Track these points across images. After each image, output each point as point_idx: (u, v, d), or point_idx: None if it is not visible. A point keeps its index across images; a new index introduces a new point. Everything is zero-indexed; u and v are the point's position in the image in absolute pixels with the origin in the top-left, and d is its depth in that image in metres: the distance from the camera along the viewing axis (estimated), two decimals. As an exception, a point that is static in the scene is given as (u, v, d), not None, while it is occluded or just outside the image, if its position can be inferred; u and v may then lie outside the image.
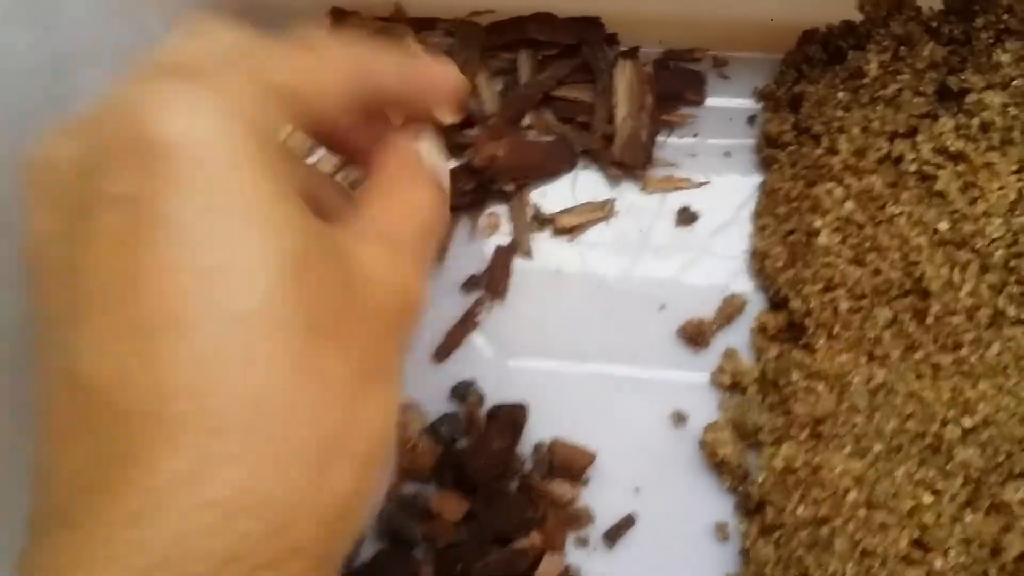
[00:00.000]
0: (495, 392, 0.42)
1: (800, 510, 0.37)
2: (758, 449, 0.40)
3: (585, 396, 0.42)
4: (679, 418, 0.41)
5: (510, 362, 0.42)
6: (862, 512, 0.36)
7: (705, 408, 0.41)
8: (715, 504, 0.40)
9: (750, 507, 0.39)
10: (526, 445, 0.41)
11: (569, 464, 0.40)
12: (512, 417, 0.40)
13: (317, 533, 0.20)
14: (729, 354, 0.42)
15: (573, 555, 0.40)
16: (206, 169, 0.21)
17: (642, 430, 0.41)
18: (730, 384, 0.41)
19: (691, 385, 0.42)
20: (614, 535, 0.40)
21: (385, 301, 0.24)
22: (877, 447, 0.37)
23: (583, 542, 0.40)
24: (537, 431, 0.41)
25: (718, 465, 0.40)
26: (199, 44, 0.26)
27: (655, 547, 0.40)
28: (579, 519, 0.40)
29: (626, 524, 0.40)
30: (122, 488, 0.19)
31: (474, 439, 0.40)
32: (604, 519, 0.40)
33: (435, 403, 0.42)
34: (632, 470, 0.41)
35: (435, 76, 0.31)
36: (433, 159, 0.31)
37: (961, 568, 0.34)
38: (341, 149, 0.34)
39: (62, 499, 0.20)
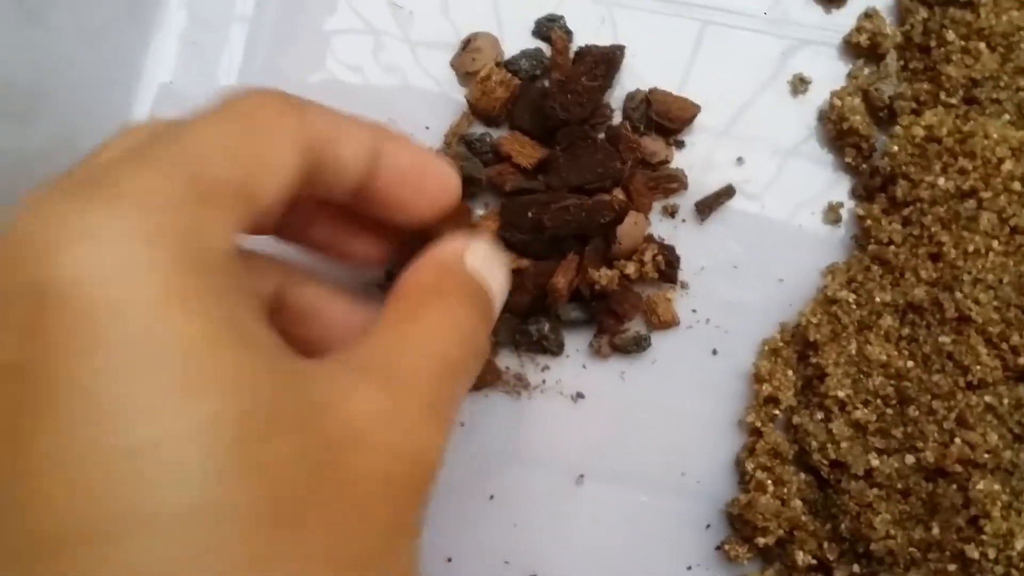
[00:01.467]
0: (586, 37, 0.35)
1: (941, 182, 0.31)
2: (889, 126, 0.34)
3: (691, 44, 0.35)
4: (800, 82, 0.35)
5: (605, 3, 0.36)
6: (1017, 185, 0.31)
7: (832, 74, 0.35)
8: (830, 183, 0.35)
9: (875, 185, 0.33)
10: (619, 92, 0.35)
11: (667, 115, 0.34)
12: (606, 56, 0.34)
13: None
14: (869, 14, 0.35)
15: (658, 226, 0.34)
16: (116, 316, 0.15)
17: (756, 91, 0.35)
18: (867, 47, 0.35)
19: (819, 47, 0.35)
20: (708, 206, 0.34)
21: (382, 469, 0.19)
22: (1044, 115, 0.31)
23: (670, 211, 0.34)
24: (632, 79, 0.35)
25: (842, 135, 0.34)
26: (122, 139, 0.20)
27: (753, 226, 0.34)
28: (671, 182, 0.34)
29: (724, 195, 0.34)
30: None
31: (559, 77, 0.34)
32: (698, 188, 0.35)
33: (514, 39, 0.35)
34: (738, 137, 0.35)
35: (431, 165, 0.24)
36: (486, 270, 0.24)
37: None
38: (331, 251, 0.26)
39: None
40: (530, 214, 0.32)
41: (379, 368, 0.20)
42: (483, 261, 0.24)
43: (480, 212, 0.34)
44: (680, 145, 0.35)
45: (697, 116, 0.34)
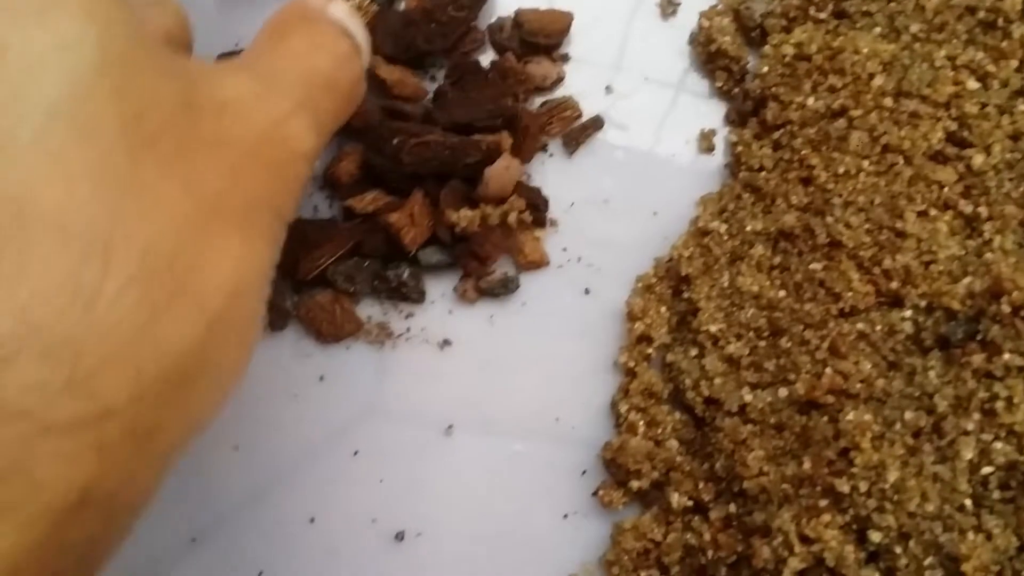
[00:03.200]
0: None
1: (811, 102, 0.30)
2: (761, 47, 0.32)
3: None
4: (669, 3, 0.33)
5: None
6: (888, 101, 0.29)
7: (701, -5, 0.33)
8: (703, 110, 0.33)
9: (747, 109, 0.32)
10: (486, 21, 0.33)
11: (542, 32, 0.32)
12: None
13: (136, 393, 0.16)
14: (736, -73, 0.33)
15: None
16: None
17: (623, 15, 0.33)
18: (736, -38, 0.33)
19: (686, -35, 0.34)
20: (575, 139, 0.32)
21: (248, 138, 0.19)
22: (915, 26, 0.30)
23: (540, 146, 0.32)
24: (502, 10, 0.33)
25: (712, 58, 0.32)
26: None
27: (624, 158, 0.33)
28: (564, 111, 0.32)
29: (592, 126, 0.33)
30: None
31: (424, 5, 0.32)
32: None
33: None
34: (605, 64, 0.33)
35: None
36: (349, 22, 0.24)
37: (1005, 166, 0.28)
38: None
39: None
40: (393, 142, 0.30)
41: (251, 66, 0.21)
42: (345, 14, 0.24)
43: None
44: (566, 59, 0.33)
45: (572, 24, 0.32)
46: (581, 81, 0.33)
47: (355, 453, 0.31)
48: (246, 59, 0.22)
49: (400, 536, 0.30)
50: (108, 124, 0.16)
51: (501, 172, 0.30)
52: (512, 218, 0.30)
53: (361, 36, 0.25)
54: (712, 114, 0.33)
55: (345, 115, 0.24)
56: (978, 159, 0.28)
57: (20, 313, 0.15)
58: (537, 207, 0.31)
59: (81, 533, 0.16)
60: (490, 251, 0.31)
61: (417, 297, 0.31)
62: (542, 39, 0.32)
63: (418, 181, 0.31)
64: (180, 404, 0.17)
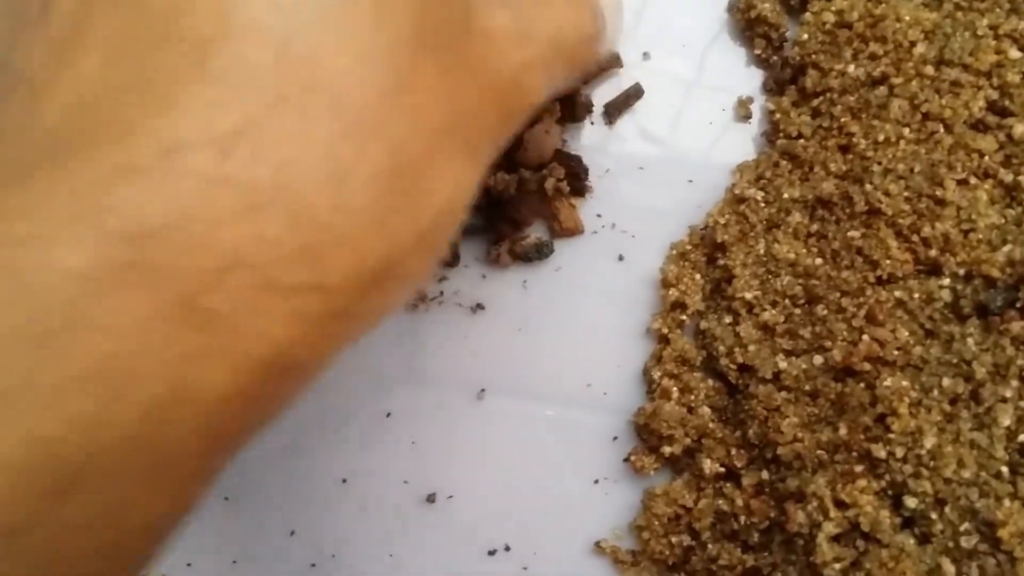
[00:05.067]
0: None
1: (851, 69, 0.30)
2: (800, 15, 0.32)
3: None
4: (708, -30, 0.33)
5: None
6: (930, 69, 0.29)
7: (741, -39, 0.33)
8: (741, 78, 0.33)
9: (785, 77, 0.32)
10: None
11: None
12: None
13: (351, 279, 0.17)
14: None
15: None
16: None
17: (660, -16, 0.33)
18: (775, -69, 0.33)
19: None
20: (617, 108, 0.32)
21: (502, 75, 0.20)
22: (958, -8, 0.29)
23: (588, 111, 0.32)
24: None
25: (751, 25, 0.32)
26: None
27: (659, 126, 0.33)
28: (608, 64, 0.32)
29: (633, 95, 0.32)
30: (135, 131, 0.15)
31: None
32: (603, 89, 0.33)
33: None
34: (644, 32, 0.33)
35: None
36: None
37: (1047, 133, 0.28)
38: None
39: (58, 123, 0.15)
40: None
41: (515, 6, 0.21)
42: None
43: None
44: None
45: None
46: (619, 47, 0.32)
47: (388, 415, 0.31)
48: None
49: (432, 498, 0.30)
50: (404, 19, 0.17)
51: (541, 136, 0.30)
52: (550, 184, 0.30)
53: (611, 25, 0.25)
54: (749, 82, 0.33)
55: (565, 91, 0.25)
56: (1019, 128, 0.28)
57: (280, 168, 0.15)
58: (577, 175, 0.31)
59: (267, 392, 0.16)
60: (526, 216, 0.31)
61: (451, 260, 0.31)
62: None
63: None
64: (375, 299, 0.18)
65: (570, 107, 0.31)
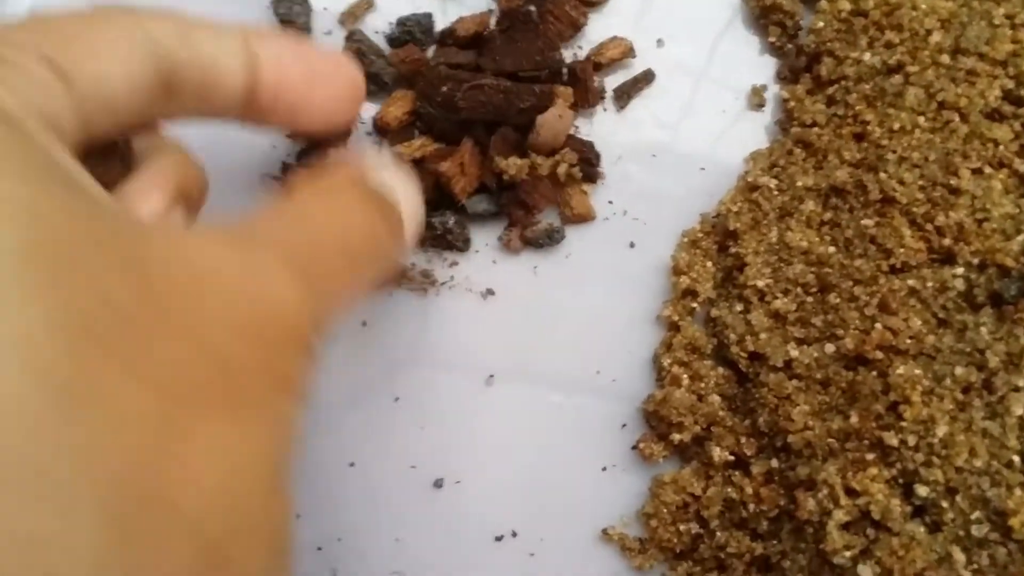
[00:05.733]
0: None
1: (867, 57, 0.30)
2: (814, 3, 0.32)
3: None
4: (722, -43, 0.33)
5: None
6: (946, 58, 0.29)
7: (755, -52, 0.33)
8: (754, 66, 0.33)
9: (800, 65, 0.31)
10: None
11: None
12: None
13: None
14: None
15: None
16: None
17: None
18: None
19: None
20: (627, 93, 0.32)
21: (231, 316, 0.17)
22: (975, -17, 0.29)
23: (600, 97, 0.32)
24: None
25: (766, 13, 0.32)
26: None
27: (672, 113, 0.32)
28: (614, 48, 0.32)
29: (643, 80, 0.32)
30: None
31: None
32: (616, 76, 0.32)
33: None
34: (657, 18, 0.33)
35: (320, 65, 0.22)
36: (396, 184, 0.22)
37: (1063, 122, 0.28)
38: None
39: None
40: (444, 88, 0.30)
41: (247, 231, 0.19)
42: (392, 177, 0.22)
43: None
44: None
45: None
46: (632, 34, 0.32)
47: (396, 399, 0.31)
48: (246, 222, 0.19)
49: (439, 483, 0.30)
50: (50, 330, 0.13)
51: (553, 121, 0.30)
52: (562, 170, 0.30)
53: (411, 207, 0.23)
54: (762, 70, 0.33)
55: (371, 284, 0.22)
56: (1036, 117, 0.28)
57: None
58: (589, 161, 0.31)
59: None
60: (537, 201, 0.31)
61: (462, 245, 0.31)
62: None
63: (467, 128, 0.31)
64: None
65: (583, 93, 0.31)
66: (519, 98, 0.30)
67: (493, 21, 0.32)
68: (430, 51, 0.32)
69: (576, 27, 0.32)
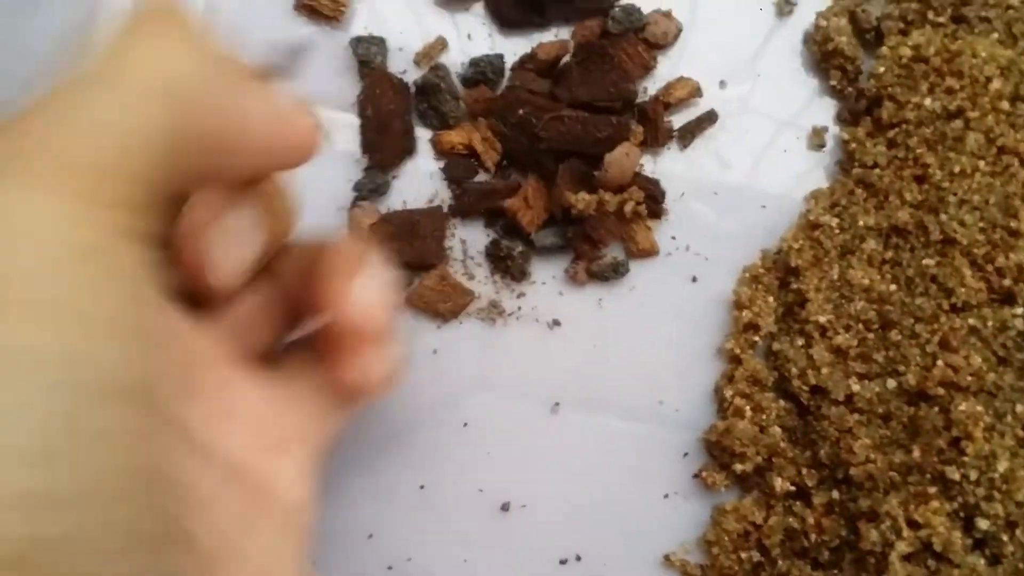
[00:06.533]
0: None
1: (928, 102, 0.31)
2: (875, 48, 0.33)
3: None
4: (786, 3, 0.34)
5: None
6: (1005, 104, 0.30)
7: (818, -2, 0.34)
8: (815, 108, 0.34)
9: (860, 108, 0.32)
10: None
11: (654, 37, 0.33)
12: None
13: None
14: (855, -69, 0.34)
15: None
16: None
17: (740, 12, 0.34)
18: (853, -34, 0.34)
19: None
20: (691, 132, 0.33)
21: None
22: (1034, 31, 0.30)
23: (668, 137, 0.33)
24: None
25: (827, 57, 0.33)
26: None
27: (735, 152, 0.34)
28: (681, 88, 0.33)
29: (707, 120, 0.33)
30: None
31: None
32: (680, 115, 0.34)
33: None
34: (721, 60, 0.34)
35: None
36: (372, 302, 0.23)
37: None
38: None
39: None
40: (521, 111, 0.31)
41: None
42: (369, 291, 0.24)
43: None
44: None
45: (681, 33, 0.33)
46: (697, 75, 0.34)
47: (464, 425, 0.32)
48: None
49: (506, 507, 0.31)
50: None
51: (621, 158, 0.31)
52: (629, 207, 0.31)
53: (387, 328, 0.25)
54: (824, 112, 0.34)
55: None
56: (1095, 161, 0.29)
57: None
58: (655, 198, 0.32)
59: None
60: (603, 236, 0.32)
61: (518, 275, 0.32)
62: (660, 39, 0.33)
63: (535, 158, 0.32)
64: None
65: (653, 132, 0.32)
66: (597, 128, 0.31)
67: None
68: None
69: (647, 69, 0.33)
